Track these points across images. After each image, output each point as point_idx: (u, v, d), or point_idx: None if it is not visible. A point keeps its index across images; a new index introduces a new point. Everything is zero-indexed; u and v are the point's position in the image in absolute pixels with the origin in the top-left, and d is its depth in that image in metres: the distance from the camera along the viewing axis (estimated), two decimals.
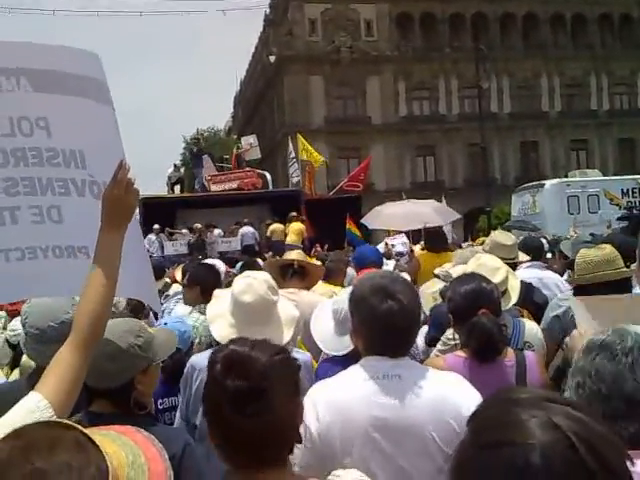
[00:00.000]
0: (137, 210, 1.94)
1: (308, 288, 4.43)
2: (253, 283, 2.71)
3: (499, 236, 4.66)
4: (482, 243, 7.56)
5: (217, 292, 3.02)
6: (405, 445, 1.84)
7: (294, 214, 16.21)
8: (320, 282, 5.28)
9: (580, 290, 3.43)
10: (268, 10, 44.87)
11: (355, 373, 1.97)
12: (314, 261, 6.65)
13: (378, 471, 1.82)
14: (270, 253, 13.02)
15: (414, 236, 10.27)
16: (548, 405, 0.91)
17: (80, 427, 0.92)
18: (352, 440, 1.85)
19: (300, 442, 1.50)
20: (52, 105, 1.99)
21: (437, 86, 41.34)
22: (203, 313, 3.74)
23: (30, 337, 2.36)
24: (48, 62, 2.00)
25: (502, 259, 4.12)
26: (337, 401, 1.91)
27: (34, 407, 1.42)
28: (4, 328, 3.69)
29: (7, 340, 3.58)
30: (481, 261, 3.49)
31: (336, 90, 40.11)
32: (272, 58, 41.59)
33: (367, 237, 13.73)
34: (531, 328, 3.22)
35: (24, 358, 3.31)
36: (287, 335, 2.73)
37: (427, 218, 6.81)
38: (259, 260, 7.26)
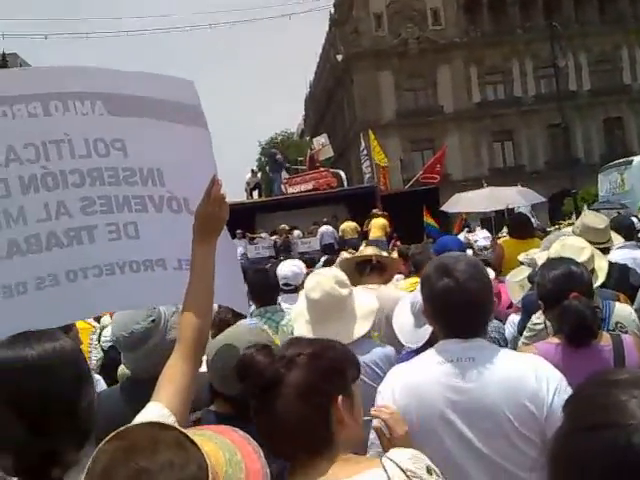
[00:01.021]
0: None
1: (386, 282, 4.39)
2: (320, 280, 2.74)
3: (590, 218, 4.38)
4: (569, 226, 7.27)
5: (302, 292, 3.07)
6: (481, 427, 1.85)
7: (375, 210, 16.17)
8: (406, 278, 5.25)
9: None
10: (333, 10, 45.00)
11: (430, 356, 2.00)
12: (393, 255, 6.59)
13: (457, 454, 1.85)
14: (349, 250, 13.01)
15: (497, 225, 10.00)
16: None
17: (179, 427, 0.96)
18: (428, 422, 1.88)
19: (330, 436, 1.49)
20: (128, 127, 2.06)
21: (510, 69, 40.20)
22: (262, 316, 3.83)
23: (118, 345, 2.47)
24: (128, 87, 2.07)
25: (594, 243, 3.95)
26: (412, 385, 1.95)
27: (158, 416, 1.46)
28: (98, 340, 3.84)
29: (102, 347, 3.73)
30: (564, 242, 3.34)
31: (406, 82, 39.71)
32: (339, 57, 41.68)
33: (446, 228, 13.50)
34: (623, 309, 3.06)
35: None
36: (361, 328, 2.72)
37: (509, 200, 6.60)
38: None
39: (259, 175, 21.60)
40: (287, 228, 16.50)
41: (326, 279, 2.75)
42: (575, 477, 0.86)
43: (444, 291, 1.96)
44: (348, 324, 2.68)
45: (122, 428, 0.97)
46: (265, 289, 4.01)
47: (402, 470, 1.41)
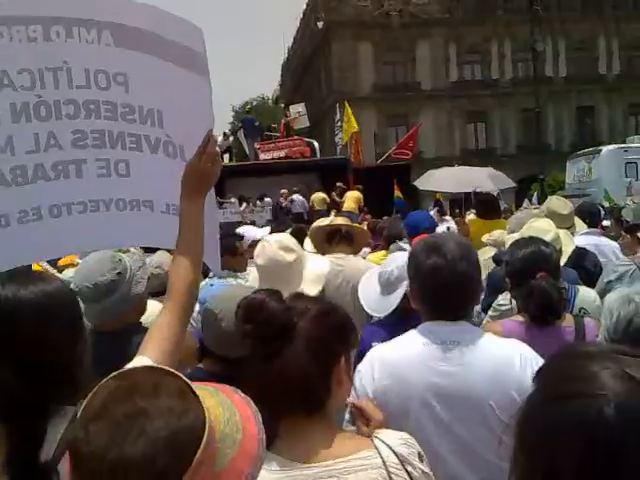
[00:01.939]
0: None
1: (355, 253, 4.43)
2: (265, 245, 2.78)
3: (555, 203, 4.50)
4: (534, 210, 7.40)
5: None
6: (463, 413, 1.81)
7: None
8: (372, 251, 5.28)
9: None
10: None
11: (413, 337, 1.95)
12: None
13: (434, 438, 1.80)
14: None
15: (466, 205, 10.11)
16: (620, 357, 0.88)
17: (182, 376, 0.94)
18: (408, 405, 1.83)
19: (328, 396, 1.46)
20: (134, 62, 1.97)
21: (489, 50, 40.22)
22: (223, 279, 3.82)
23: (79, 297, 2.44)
24: (139, 21, 1.97)
25: (559, 228, 4.03)
26: (394, 365, 1.89)
27: None
28: None
29: None
30: (532, 225, 3.41)
31: (385, 55, 39.46)
32: (320, 24, 41.10)
33: (416, 204, 13.61)
34: (588, 294, 3.13)
35: None
36: (309, 292, 2.72)
37: (479, 183, 6.67)
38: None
39: (230, 139, 21.30)
40: (285, 192, 16.48)
41: (269, 245, 2.78)
42: (545, 446, 0.86)
43: (433, 269, 1.91)
44: (295, 289, 2.68)
45: (125, 368, 0.96)
46: (232, 252, 4.00)
47: (395, 454, 1.39)
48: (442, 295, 1.92)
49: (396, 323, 2.69)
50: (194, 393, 0.91)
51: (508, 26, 38.71)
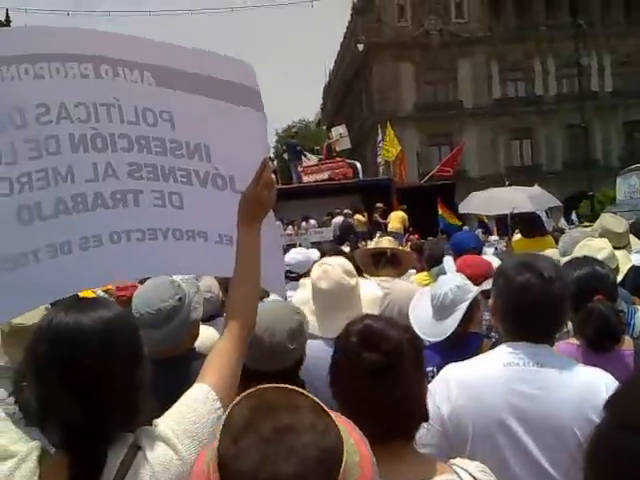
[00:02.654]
0: None
1: (400, 275, 4.38)
2: (328, 269, 2.71)
3: (609, 221, 4.31)
4: (586, 227, 7.21)
5: (303, 281, 3.05)
6: (544, 438, 1.74)
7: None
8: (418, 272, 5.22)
9: None
10: None
11: (493, 357, 1.90)
12: (406, 248, 6.57)
13: (512, 460, 1.75)
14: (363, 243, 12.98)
15: (513, 224, 9.92)
16: None
17: (309, 394, 0.94)
18: (486, 426, 1.78)
19: (426, 420, 1.50)
20: (176, 101, 2.04)
21: (532, 66, 39.81)
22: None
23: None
24: (184, 63, 2.06)
25: (613, 247, 3.90)
26: (472, 384, 1.84)
27: (204, 398, 1.44)
28: None
29: None
30: (587, 244, 3.30)
31: (426, 75, 39.46)
32: (360, 46, 41.44)
33: (463, 223, 13.44)
34: None
35: None
36: None
37: (516, 203, 6.53)
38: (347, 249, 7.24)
39: (275, 162, 21.51)
40: (348, 212, 16.34)
41: (333, 268, 2.72)
42: (612, 476, 0.83)
43: (525, 285, 1.85)
44: (357, 313, 2.65)
45: (253, 389, 0.94)
46: None
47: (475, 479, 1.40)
48: (532, 314, 1.85)
49: (450, 348, 2.64)
50: (327, 411, 0.91)
51: (551, 42, 38.31)
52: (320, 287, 2.68)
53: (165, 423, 1.38)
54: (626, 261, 3.24)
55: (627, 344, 2.39)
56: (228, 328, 1.63)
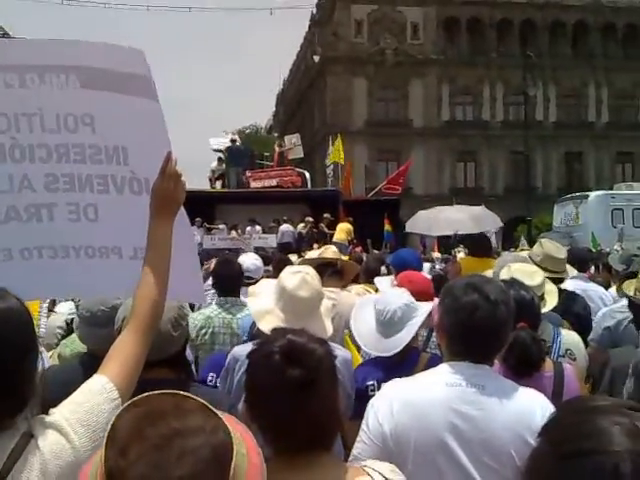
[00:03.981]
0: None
1: (344, 287, 4.43)
2: (307, 278, 2.70)
3: (550, 247, 4.39)
4: (521, 251, 7.46)
5: (252, 289, 3.01)
6: (482, 458, 1.78)
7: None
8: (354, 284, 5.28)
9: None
10: (315, 10, 44.97)
11: (436, 376, 1.91)
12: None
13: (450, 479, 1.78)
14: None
15: (454, 242, 10.17)
16: (629, 412, 0.88)
17: (194, 396, 0.95)
18: (427, 445, 1.80)
19: (341, 428, 1.55)
20: (98, 102, 2.02)
21: (481, 92, 40.90)
22: (221, 306, 3.85)
23: (82, 320, 2.43)
24: (96, 60, 2.02)
25: (552, 272, 4.04)
26: (415, 403, 1.85)
27: (101, 389, 1.44)
28: (50, 310, 3.75)
29: (65, 320, 3.64)
30: (514, 267, 3.37)
31: (379, 92, 39.99)
32: (316, 58, 41.67)
33: (403, 240, 13.67)
34: (572, 337, 3.13)
35: (59, 347, 3.37)
36: (329, 327, 2.73)
37: (459, 225, 6.70)
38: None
39: (224, 165, 21.33)
40: (310, 219, 16.57)
41: (312, 277, 2.73)
42: None
43: (472, 306, 1.87)
44: (322, 322, 2.68)
45: (139, 396, 0.96)
46: (229, 280, 4.00)
47: None
48: (476, 335, 1.88)
49: (390, 361, 2.68)
50: (214, 411, 0.93)
51: (501, 69, 39.47)
52: (300, 295, 2.65)
53: (60, 412, 1.40)
54: (553, 291, 3.34)
55: (548, 366, 2.45)
56: (132, 322, 1.62)
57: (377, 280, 4.93)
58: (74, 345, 3.24)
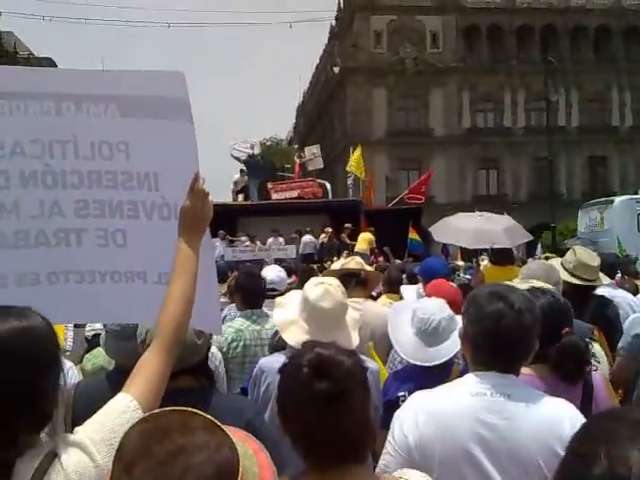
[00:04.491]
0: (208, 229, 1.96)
1: (367, 296, 4.42)
2: (329, 289, 2.71)
3: (584, 255, 4.31)
4: (547, 259, 7.35)
5: (279, 300, 3.03)
6: (509, 469, 1.75)
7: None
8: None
9: None
10: (334, 22, 45.21)
11: (460, 387, 1.90)
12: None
13: None
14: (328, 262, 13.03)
15: (478, 250, 10.08)
16: None
17: (204, 414, 0.97)
18: (452, 456, 1.78)
19: (374, 441, 1.53)
20: (134, 129, 2.05)
21: (502, 98, 40.69)
22: (248, 318, 3.86)
23: (110, 334, 2.46)
24: (135, 87, 2.06)
25: (585, 280, 3.99)
26: (440, 413, 1.84)
27: (125, 407, 1.45)
28: (76, 326, 3.79)
29: (85, 337, 3.68)
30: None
31: (399, 102, 39.99)
32: (336, 69, 41.84)
33: (429, 248, 13.61)
34: (599, 349, 3.10)
35: (84, 361, 3.41)
36: (355, 338, 2.72)
37: (496, 238, 6.63)
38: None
39: (246, 177, 21.47)
40: (329, 230, 16.69)
41: (335, 289, 2.73)
42: None
43: (498, 316, 1.86)
44: (347, 333, 2.68)
45: (148, 413, 0.98)
46: (254, 293, 4.03)
47: None
48: (502, 344, 1.86)
49: (425, 374, 2.67)
50: (221, 428, 0.95)
51: (522, 76, 39.25)
52: (322, 307, 2.67)
53: (84, 431, 1.40)
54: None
55: None
56: (157, 341, 1.63)
57: (403, 289, 4.91)
58: (96, 360, 3.29)
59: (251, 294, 4.00)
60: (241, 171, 21.16)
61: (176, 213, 2.00)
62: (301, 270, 6.67)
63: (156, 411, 0.99)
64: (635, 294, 5.60)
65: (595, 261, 4.29)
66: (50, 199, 2.00)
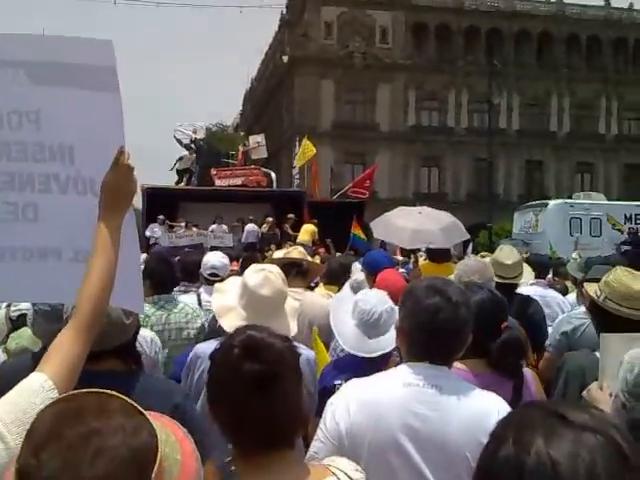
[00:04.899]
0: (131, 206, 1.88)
1: (306, 287, 4.44)
2: (270, 276, 2.71)
3: (500, 254, 4.47)
4: (482, 257, 7.55)
5: (219, 286, 3.01)
6: (436, 460, 1.78)
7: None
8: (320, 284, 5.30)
9: (601, 317, 2.83)
10: (285, 10, 44.93)
11: (393, 377, 1.91)
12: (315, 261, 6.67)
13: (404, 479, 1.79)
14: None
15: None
16: (564, 416, 0.92)
17: (123, 396, 0.94)
18: (381, 445, 1.80)
19: (305, 427, 1.55)
20: (47, 98, 1.93)
21: (447, 98, 41.40)
22: (155, 304, 3.81)
23: (40, 315, 2.38)
24: (51, 53, 1.94)
25: (502, 277, 4.11)
26: (372, 403, 1.85)
27: (39, 387, 1.40)
28: (8, 306, 3.66)
29: (9, 317, 3.57)
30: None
31: (346, 95, 40.15)
32: (285, 58, 41.63)
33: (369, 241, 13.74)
34: None
35: (8, 340, 3.31)
36: (294, 326, 2.73)
37: (433, 238, 6.75)
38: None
39: (194, 157, 20.84)
40: (270, 220, 16.55)
41: (275, 276, 2.73)
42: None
43: (434, 308, 1.88)
44: (285, 321, 2.68)
45: (66, 394, 0.94)
46: (162, 279, 3.96)
47: (351, 479, 1.45)
48: (438, 336, 1.89)
49: (363, 364, 2.68)
50: (140, 412, 0.92)
51: (467, 76, 40.02)
52: (261, 294, 2.66)
53: None
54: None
55: None
56: (74, 320, 1.58)
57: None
58: (20, 339, 3.22)
59: (159, 280, 3.91)
60: (189, 148, 20.59)
61: (94, 188, 1.92)
62: (243, 257, 6.64)
63: (72, 392, 0.95)
64: (564, 294, 5.82)
65: (510, 259, 4.39)
66: None
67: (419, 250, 11.18)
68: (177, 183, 20.35)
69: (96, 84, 1.94)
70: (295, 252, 4.75)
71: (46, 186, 1.96)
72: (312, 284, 5.69)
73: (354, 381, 2.01)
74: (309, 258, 4.95)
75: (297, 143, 23.37)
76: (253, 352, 1.44)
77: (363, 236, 13.48)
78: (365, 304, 2.89)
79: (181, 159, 20.32)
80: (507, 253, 4.51)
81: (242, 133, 41.16)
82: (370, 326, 2.82)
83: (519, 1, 42.07)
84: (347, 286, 4.38)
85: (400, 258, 12.51)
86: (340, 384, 2.53)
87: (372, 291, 3.11)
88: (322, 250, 12.91)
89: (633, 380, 1.91)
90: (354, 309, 2.91)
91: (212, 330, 3.09)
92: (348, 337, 2.85)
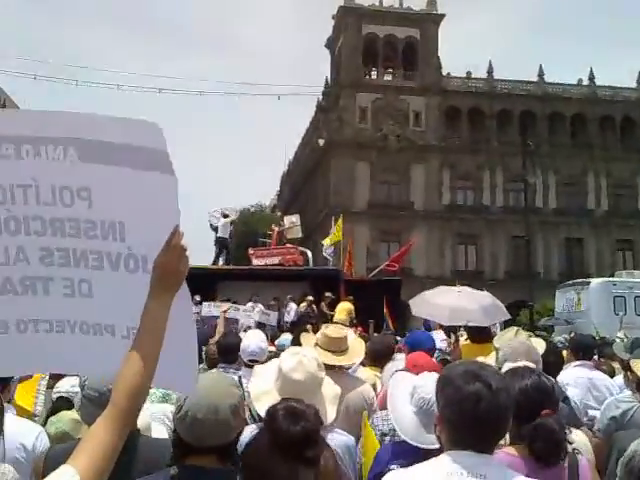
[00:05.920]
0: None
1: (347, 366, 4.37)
2: (303, 360, 2.69)
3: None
4: (529, 337, 7.36)
5: (258, 369, 2.99)
6: None
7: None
8: (361, 366, 5.22)
9: None
10: (321, 97, 46.55)
11: (436, 466, 1.87)
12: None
13: None
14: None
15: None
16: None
17: None
18: None
19: None
20: (97, 176, 1.96)
21: (482, 177, 41.74)
22: None
23: (88, 400, 2.38)
24: (100, 133, 1.97)
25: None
26: None
27: None
28: (49, 387, 3.68)
29: (61, 397, 3.57)
30: None
31: (381, 175, 40.82)
32: (321, 142, 42.79)
33: (404, 321, 13.61)
34: (579, 436, 3.07)
35: (47, 423, 3.29)
36: (331, 412, 2.68)
37: (471, 316, 6.64)
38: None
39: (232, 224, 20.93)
40: (311, 299, 16.46)
41: (309, 361, 2.71)
42: None
43: (474, 396, 1.85)
44: (322, 407, 2.63)
45: None
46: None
47: None
48: (479, 424, 1.85)
49: (417, 450, 2.61)
50: None
51: (501, 156, 40.43)
52: (293, 378, 2.65)
53: None
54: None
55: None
56: (110, 408, 1.49)
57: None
58: (60, 423, 3.20)
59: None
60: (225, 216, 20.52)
61: (145, 266, 1.92)
62: (297, 330, 6.69)
63: None
64: (612, 376, 5.61)
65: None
66: (14, 245, 1.93)
67: (460, 328, 10.98)
68: (214, 262, 20.56)
69: (148, 164, 1.97)
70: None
71: (99, 263, 1.98)
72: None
73: (396, 471, 1.98)
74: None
75: (332, 223, 23.59)
76: (295, 416, 1.53)
77: (388, 317, 13.39)
78: (422, 390, 2.79)
79: (225, 226, 20.23)
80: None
81: (279, 213, 41.87)
82: (430, 414, 2.70)
83: (550, 84, 42.87)
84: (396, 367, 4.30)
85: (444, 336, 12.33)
86: (394, 469, 2.45)
87: (431, 375, 3.02)
88: (360, 329, 12.77)
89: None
90: (412, 394, 2.82)
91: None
92: (408, 428, 2.75)
